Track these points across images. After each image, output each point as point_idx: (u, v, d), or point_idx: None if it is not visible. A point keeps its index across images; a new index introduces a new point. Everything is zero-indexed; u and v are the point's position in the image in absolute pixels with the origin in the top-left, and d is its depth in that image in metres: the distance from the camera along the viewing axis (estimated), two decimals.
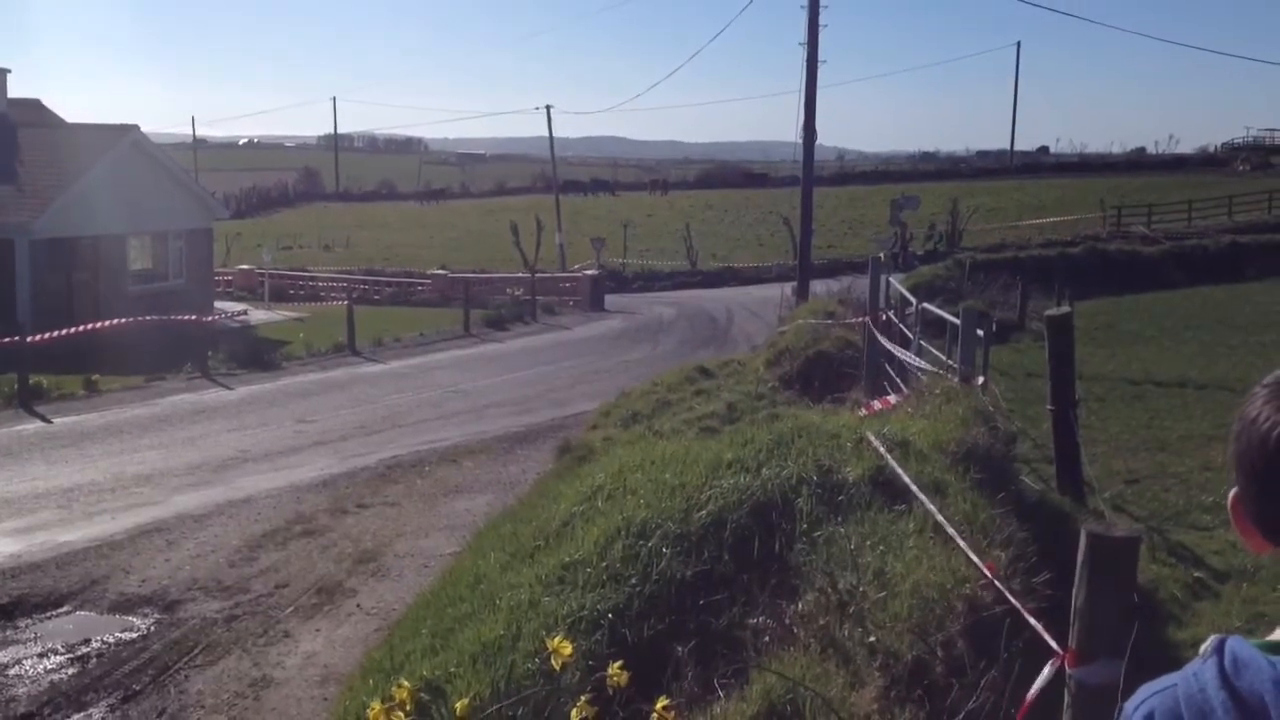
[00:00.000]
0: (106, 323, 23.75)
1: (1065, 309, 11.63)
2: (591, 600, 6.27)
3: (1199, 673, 1.29)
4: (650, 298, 43.47)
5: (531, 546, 7.61)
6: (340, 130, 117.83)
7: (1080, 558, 4.24)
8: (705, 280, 48.77)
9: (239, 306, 35.97)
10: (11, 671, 7.75)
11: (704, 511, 6.96)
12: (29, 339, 19.83)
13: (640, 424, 14.06)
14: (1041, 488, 9.73)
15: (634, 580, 6.43)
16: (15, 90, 33.26)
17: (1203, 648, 1.31)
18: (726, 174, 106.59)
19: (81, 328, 23.02)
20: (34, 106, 34.89)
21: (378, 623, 8.35)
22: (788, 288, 29.26)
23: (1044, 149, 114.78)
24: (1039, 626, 4.52)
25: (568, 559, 6.81)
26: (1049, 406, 9.90)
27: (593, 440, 13.19)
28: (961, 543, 5.50)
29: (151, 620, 8.62)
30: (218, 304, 35.21)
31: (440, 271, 44.72)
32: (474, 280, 40.03)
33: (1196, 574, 8.31)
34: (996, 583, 5.09)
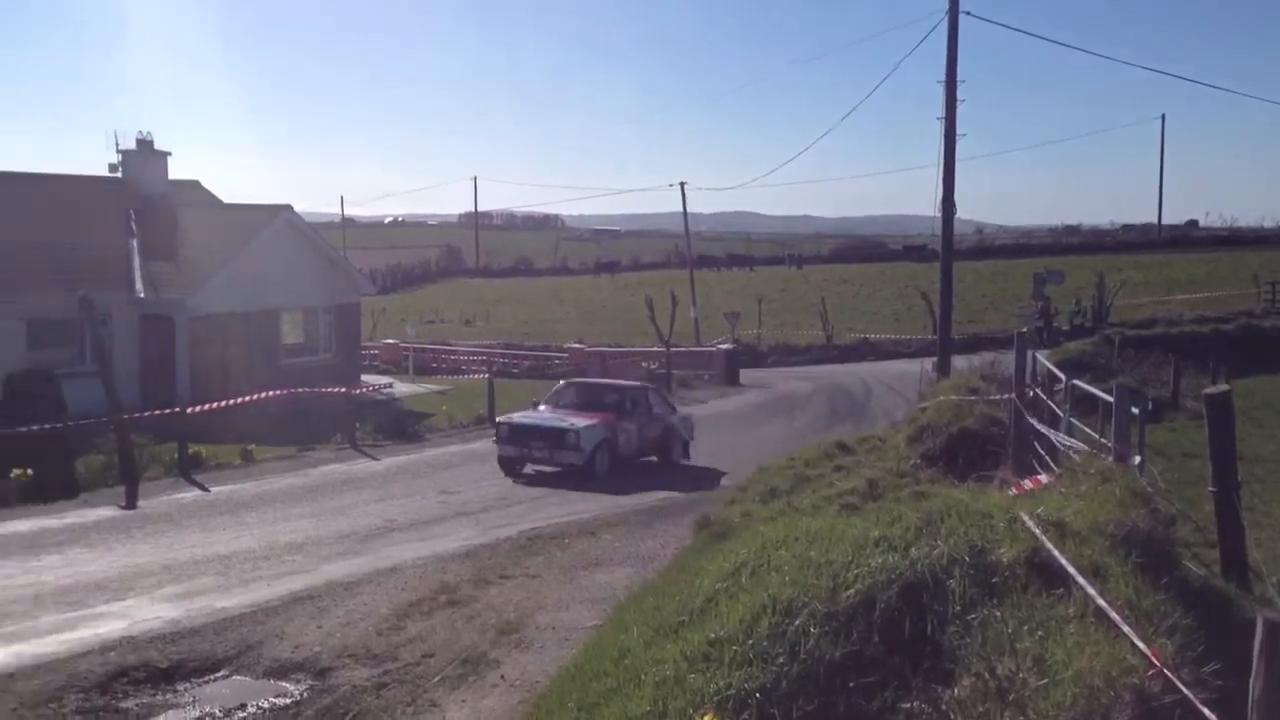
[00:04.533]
0: (260, 395, 24.63)
1: (1224, 386, 11.21)
2: (738, 678, 6.21)
3: None
4: (786, 372, 43.28)
5: (675, 622, 7.57)
6: (480, 208, 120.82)
7: (1257, 646, 4.06)
8: (842, 355, 48.38)
9: (385, 379, 36.94)
10: None
11: (851, 590, 6.84)
12: (188, 410, 20.74)
13: (779, 500, 13.95)
14: (1204, 573, 9.33)
15: (781, 659, 6.34)
16: (175, 172, 34.93)
17: None
18: (862, 248, 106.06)
19: (237, 400, 23.93)
20: (193, 187, 36.62)
21: (521, 695, 8.40)
22: (928, 363, 28.86)
23: (1193, 222, 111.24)
24: (1214, 718, 4.34)
25: (713, 635, 6.76)
26: (1211, 488, 9.51)
27: (731, 515, 13.13)
28: (1127, 629, 5.31)
29: (304, 686, 8.82)
30: (365, 377, 36.22)
31: (577, 345, 45.30)
32: (609, 354, 40.42)
33: None
34: (1166, 672, 4.90)
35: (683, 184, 60.75)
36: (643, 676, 6.61)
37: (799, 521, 9.22)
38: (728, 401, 34.71)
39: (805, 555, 7.52)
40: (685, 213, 62.63)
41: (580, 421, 20.25)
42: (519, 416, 20.88)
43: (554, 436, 20.05)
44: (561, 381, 24.92)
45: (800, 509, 12.77)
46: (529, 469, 20.27)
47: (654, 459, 21.99)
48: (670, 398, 26.41)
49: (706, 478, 20.02)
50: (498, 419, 21.78)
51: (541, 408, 21.42)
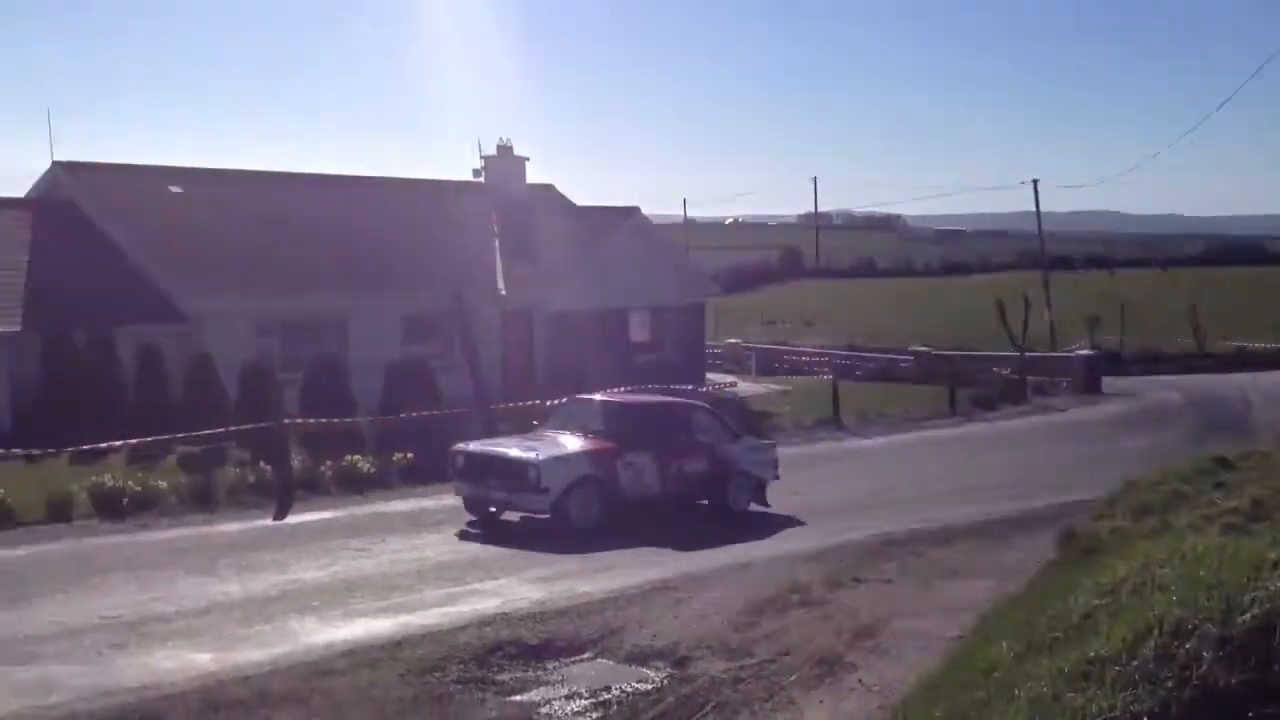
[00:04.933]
0: (611, 389, 25.56)
1: None
2: (1123, 701, 5.86)
3: None
4: (1152, 381, 40.59)
5: (1048, 638, 7.24)
6: (820, 208, 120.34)
7: None
8: (1216, 364, 44.95)
9: (728, 378, 37.41)
10: (542, 710, 8.40)
11: (1248, 615, 6.32)
12: (547, 403, 21.89)
13: (1152, 517, 13.05)
14: None
15: (1170, 683, 5.94)
16: (532, 176, 36.77)
17: None
18: (1236, 249, 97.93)
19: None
20: (548, 190, 38.34)
21: (880, 700, 8.27)
22: None
23: None
24: None
25: (1092, 654, 6.42)
26: None
27: (1099, 531, 12.43)
28: None
29: (664, 674, 9.06)
30: (709, 375, 36.87)
31: (923, 349, 44.23)
32: (958, 358, 39.22)
33: None
34: None
35: (1035, 181, 58.12)
36: (1017, 692, 6.35)
37: (1183, 539, 8.63)
38: (1087, 410, 32.95)
39: (1193, 575, 7.04)
40: (1038, 211, 59.89)
41: (549, 451, 14.68)
42: (476, 445, 15.65)
43: (512, 471, 14.49)
44: (565, 398, 18.92)
45: (1175, 527, 11.94)
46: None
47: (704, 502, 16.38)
48: (732, 423, 17.64)
49: (1066, 489, 17.76)
50: (454, 446, 15.65)
51: (546, 432, 16.15)
